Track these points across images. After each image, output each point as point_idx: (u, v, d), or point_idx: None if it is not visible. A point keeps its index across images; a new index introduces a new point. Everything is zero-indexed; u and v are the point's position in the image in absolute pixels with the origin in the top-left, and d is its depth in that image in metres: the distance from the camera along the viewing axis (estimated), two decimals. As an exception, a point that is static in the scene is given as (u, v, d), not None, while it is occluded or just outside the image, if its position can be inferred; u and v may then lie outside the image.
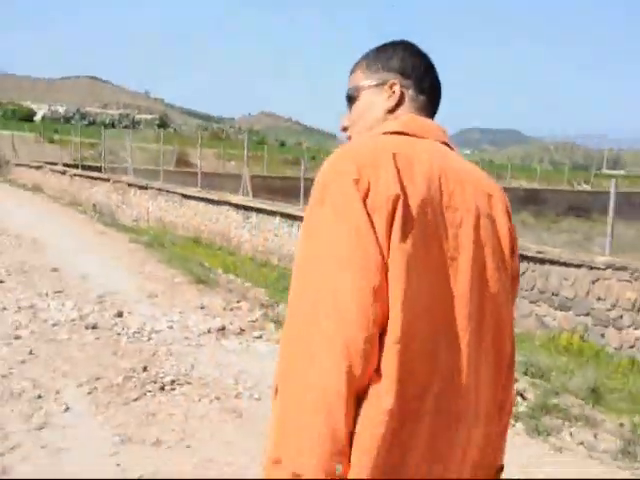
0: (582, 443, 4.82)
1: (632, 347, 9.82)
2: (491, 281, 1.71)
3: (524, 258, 11.33)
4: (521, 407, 5.48)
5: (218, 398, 5.19)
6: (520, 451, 4.63)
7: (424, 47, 2.03)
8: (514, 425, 5.04)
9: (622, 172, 64.16)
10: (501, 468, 1.93)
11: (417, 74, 1.87)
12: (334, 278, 1.52)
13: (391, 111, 1.83)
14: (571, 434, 4.95)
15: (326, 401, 1.45)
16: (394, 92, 1.83)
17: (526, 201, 29.14)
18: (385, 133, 1.75)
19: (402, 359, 1.51)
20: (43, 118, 79.83)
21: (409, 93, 1.84)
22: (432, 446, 1.59)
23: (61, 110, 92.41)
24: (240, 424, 4.75)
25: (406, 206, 1.55)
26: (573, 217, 30.22)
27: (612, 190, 11.14)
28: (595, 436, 4.94)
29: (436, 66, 1.94)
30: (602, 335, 10.18)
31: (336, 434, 1.44)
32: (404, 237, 1.53)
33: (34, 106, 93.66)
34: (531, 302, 11.24)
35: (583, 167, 65.06)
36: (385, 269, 1.51)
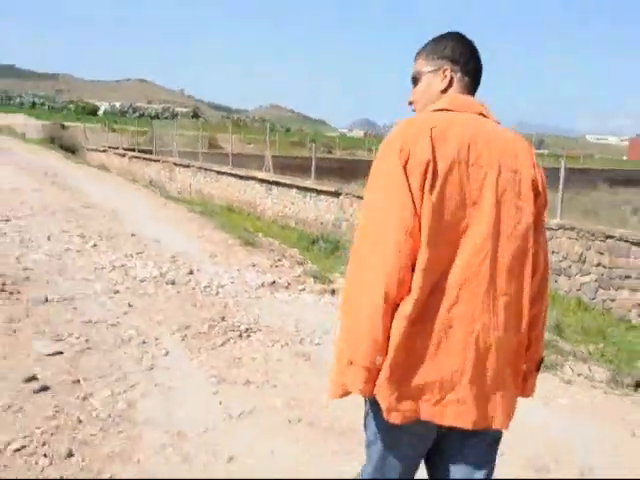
0: (581, 374, 4.63)
1: (579, 290, 9.75)
2: (510, 220, 1.77)
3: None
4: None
5: (287, 344, 4.95)
6: (538, 384, 4.41)
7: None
8: (525, 363, 4.85)
9: (546, 152, 64.31)
10: (541, 360, 2.11)
11: (464, 60, 1.97)
12: (380, 223, 1.71)
13: (444, 91, 1.95)
14: (571, 368, 4.74)
15: (370, 315, 1.67)
16: (446, 76, 1.95)
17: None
18: (435, 110, 1.86)
19: (424, 286, 1.67)
20: (105, 112, 79.16)
21: (457, 76, 1.96)
22: (439, 358, 1.71)
23: (118, 106, 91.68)
24: (310, 366, 4.53)
25: (434, 168, 1.69)
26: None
27: (562, 167, 10.97)
28: (589, 369, 4.74)
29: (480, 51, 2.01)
30: (555, 281, 10.10)
31: (377, 334, 1.67)
32: (431, 191, 1.67)
33: (98, 103, 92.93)
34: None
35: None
36: (418, 216, 1.68)
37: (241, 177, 19.60)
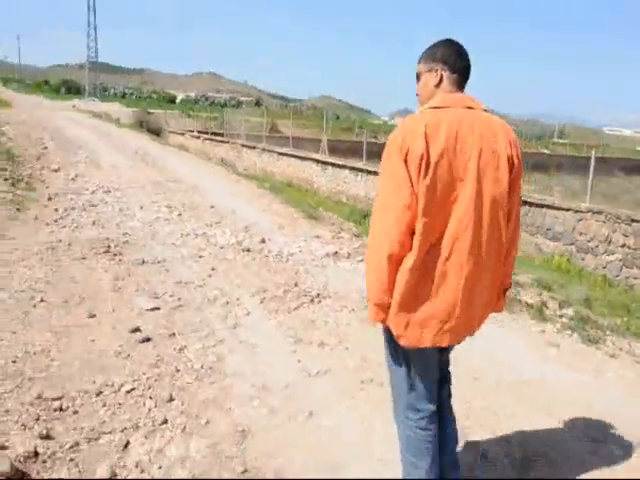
0: (622, 349, 4.36)
1: (604, 268, 9.41)
2: (489, 189, 2.05)
3: (528, 204, 10.81)
4: (564, 319, 5.00)
5: (353, 310, 4.76)
6: (585, 357, 4.19)
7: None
8: (571, 335, 4.58)
9: (567, 141, 62.27)
10: (509, 286, 2.38)
11: (452, 61, 2.16)
12: (385, 200, 2.03)
13: (437, 85, 2.17)
14: (613, 342, 4.47)
15: (379, 268, 2.02)
16: (437, 75, 2.17)
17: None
18: (430, 107, 2.08)
19: (422, 245, 1.99)
20: (181, 101, 79.69)
21: (446, 74, 2.16)
22: (436, 297, 2.06)
23: (192, 95, 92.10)
24: (376, 330, 4.33)
25: (427, 159, 1.95)
26: (538, 172, 29.47)
27: (592, 157, 10.50)
28: (629, 344, 4.46)
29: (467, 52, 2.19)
30: (582, 259, 9.76)
31: (383, 283, 2.03)
32: (425, 175, 1.95)
33: (175, 93, 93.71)
34: (531, 235, 10.76)
35: (539, 137, 63.02)
36: (415, 194, 1.97)
37: (300, 157, 19.53)
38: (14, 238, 6.17)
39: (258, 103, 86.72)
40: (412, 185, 1.97)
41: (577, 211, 9.90)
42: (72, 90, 73.70)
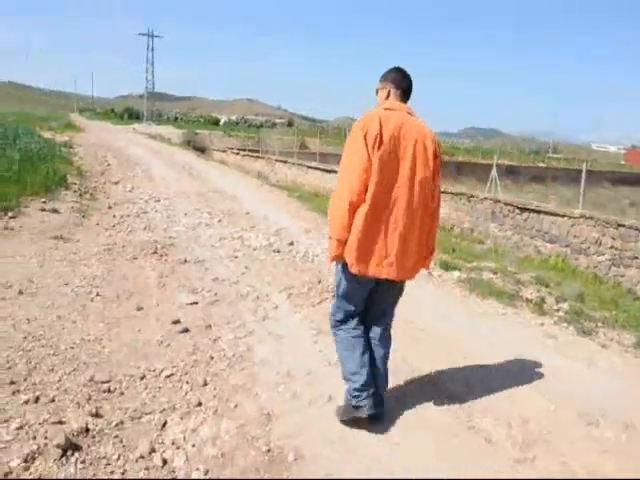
0: (612, 339, 4.15)
1: (595, 267, 9.12)
2: (420, 170, 2.54)
3: (528, 210, 10.53)
4: (560, 312, 4.80)
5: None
6: (579, 346, 4.00)
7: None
8: (567, 327, 4.39)
9: (561, 156, 61.44)
10: (419, 270, 2.76)
11: (397, 81, 2.69)
12: (350, 163, 2.47)
13: (386, 97, 2.69)
14: (604, 334, 4.27)
15: (342, 211, 2.46)
16: (386, 91, 2.70)
17: (507, 173, 27.85)
18: (383, 108, 2.59)
19: (372, 203, 2.45)
20: (224, 123, 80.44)
21: (393, 90, 2.68)
22: (389, 240, 2.53)
23: (233, 118, 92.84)
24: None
25: (381, 138, 2.44)
26: (535, 183, 29.07)
27: (584, 170, 10.21)
28: (618, 335, 4.25)
29: (410, 75, 2.73)
30: (576, 259, 9.47)
31: (344, 223, 2.46)
32: (379, 150, 2.43)
33: (219, 116, 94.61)
34: (531, 237, 10.48)
35: (536, 152, 62.31)
36: (370, 161, 2.43)
37: (325, 170, 19.37)
38: (78, 241, 6.19)
39: (290, 124, 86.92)
40: (369, 155, 2.45)
41: (571, 217, 9.62)
42: (133, 116, 74.99)
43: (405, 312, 4.44)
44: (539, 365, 3.59)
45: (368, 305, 2.74)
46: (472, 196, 12.28)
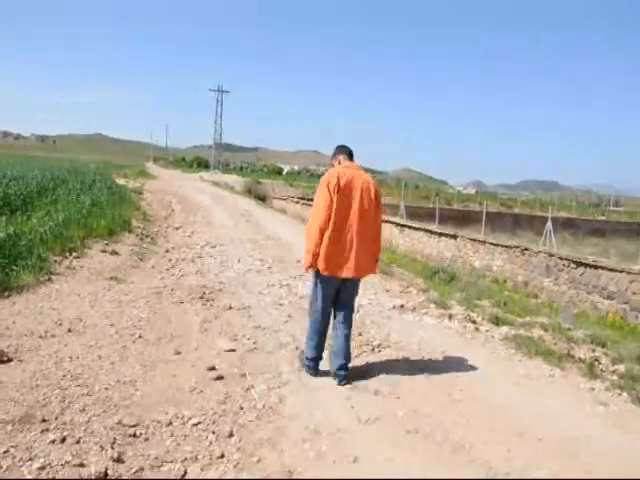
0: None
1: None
2: (365, 206, 3.69)
3: (583, 265, 9.99)
4: (615, 376, 4.40)
5: (411, 360, 4.38)
6: (633, 417, 3.61)
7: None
8: (620, 394, 4.00)
9: (622, 209, 58.69)
10: (367, 273, 3.94)
11: (343, 152, 3.96)
12: (319, 203, 3.64)
13: (339, 163, 3.90)
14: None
15: (314, 234, 3.62)
16: (337, 158, 3.96)
17: (565, 226, 26.71)
18: (340, 167, 3.81)
19: (334, 229, 3.61)
20: (287, 172, 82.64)
21: (342, 157, 3.93)
22: (346, 251, 3.68)
23: (296, 168, 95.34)
24: (428, 382, 3.95)
25: (339, 187, 3.61)
26: (595, 237, 27.73)
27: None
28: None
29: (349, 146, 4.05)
30: (636, 317, 8.81)
31: (316, 241, 3.62)
32: (337, 194, 3.59)
33: (282, 166, 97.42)
34: (588, 293, 9.89)
35: (596, 205, 59.74)
36: (332, 203, 3.59)
37: (382, 221, 19.36)
38: (132, 282, 6.37)
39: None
40: (331, 198, 3.63)
41: (630, 272, 9.05)
42: (202, 165, 78.72)
43: (445, 369, 4.22)
44: (585, 435, 3.26)
45: (335, 301, 3.88)
46: (526, 249, 11.83)
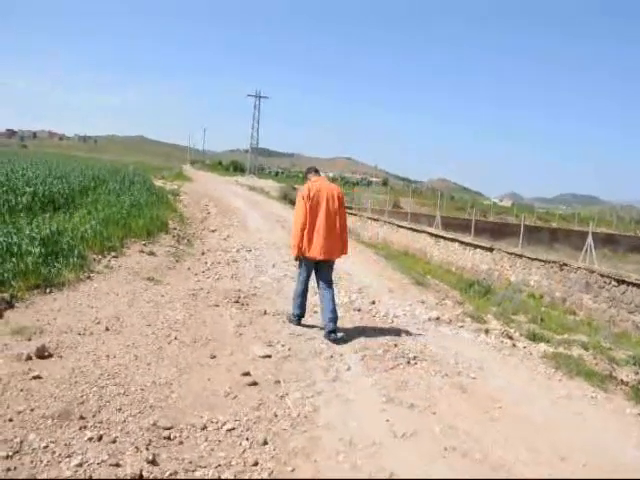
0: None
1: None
2: (331, 208, 5.04)
3: (626, 283, 9.64)
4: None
5: (447, 375, 4.29)
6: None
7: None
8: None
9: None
10: (338, 256, 5.27)
11: (312, 171, 5.42)
12: (298, 209, 5.08)
13: (310, 179, 5.28)
14: None
15: (297, 231, 5.02)
16: (310, 174, 5.38)
17: (605, 242, 25.85)
18: (311, 181, 5.20)
19: (310, 224, 5.00)
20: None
21: (311, 175, 5.35)
22: (318, 241, 5.01)
23: (330, 175, 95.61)
24: (466, 398, 3.85)
25: (310, 196, 5.02)
26: (635, 253, 26.77)
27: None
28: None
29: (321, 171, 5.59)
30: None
31: (299, 236, 5.01)
32: (309, 201, 5.01)
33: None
34: (629, 312, 9.51)
35: (637, 221, 57.63)
36: (307, 209, 5.00)
37: (416, 230, 19.17)
38: (169, 284, 6.44)
39: (385, 183, 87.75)
40: (305, 206, 4.98)
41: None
42: (238, 169, 79.62)
43: (482, 385, 4.10)
44: (632, 462, 3.11)
45: (318, 278, 5.20)
46: (565, 264, 11.49)
